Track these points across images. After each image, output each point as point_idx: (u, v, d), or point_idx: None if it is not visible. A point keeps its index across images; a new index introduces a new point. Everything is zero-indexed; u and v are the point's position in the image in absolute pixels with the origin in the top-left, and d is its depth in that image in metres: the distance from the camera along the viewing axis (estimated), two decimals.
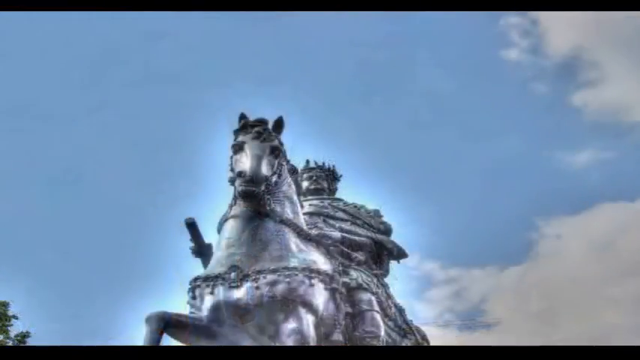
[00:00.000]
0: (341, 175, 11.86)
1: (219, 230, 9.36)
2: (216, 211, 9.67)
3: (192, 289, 8.73)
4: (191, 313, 8.66)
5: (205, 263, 9.65)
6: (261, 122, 9.14)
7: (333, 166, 11.81)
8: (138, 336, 8.29)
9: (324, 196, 11.34)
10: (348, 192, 11.66)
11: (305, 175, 11.49)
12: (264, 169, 8.63)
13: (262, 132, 8.98)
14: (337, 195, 11.67)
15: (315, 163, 11.77)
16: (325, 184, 11.56)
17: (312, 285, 8.50)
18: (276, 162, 8.96)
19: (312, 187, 11.42)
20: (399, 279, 10.67)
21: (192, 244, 9.85)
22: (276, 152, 9.00)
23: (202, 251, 9.82)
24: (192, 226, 9.73)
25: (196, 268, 9.53)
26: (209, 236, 9.82)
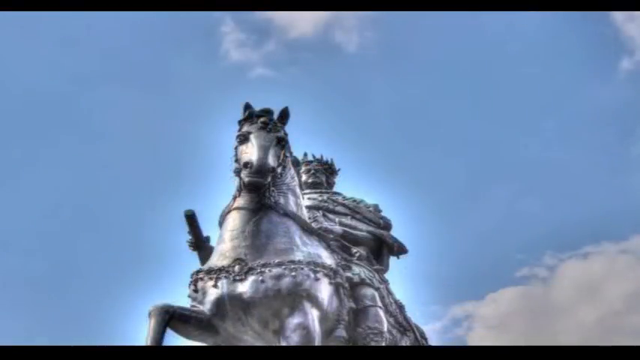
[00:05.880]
0: (339, 169, 11.64)
1: (220, 223, 9.05)
2: (210, 208, 9.50)
3: (194, 282, 8.48)
4: (192, 306, 8.40)
5: (202, 257, 9.49)
6: (267, 112, 8.92)
7: (331, 160, 11.57)
8: (138, 337, 8.10)
9: (323, 190, 11.08)
10: (345, 187, 11.49)
11: (303, 169, 11.17)
12: (271, 160, 8.42)
13: (268, 122, 8.77)
14: (334, 189, 11.46)
15: (313, 156, 11.50)
16: (323, 178, 11.29)
17: (317, 279, 8.31)
18: (282, 153, 8.75)
19: (310, 180, 11.15)
20: (399, 275, 10.52)
21: (189, 237, 9.62)
22: (282, 143, 8.79)
23: (200, 245, 9.59)
24: (191, 218, 9.49)
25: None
26: (206, 231, 9.64)
